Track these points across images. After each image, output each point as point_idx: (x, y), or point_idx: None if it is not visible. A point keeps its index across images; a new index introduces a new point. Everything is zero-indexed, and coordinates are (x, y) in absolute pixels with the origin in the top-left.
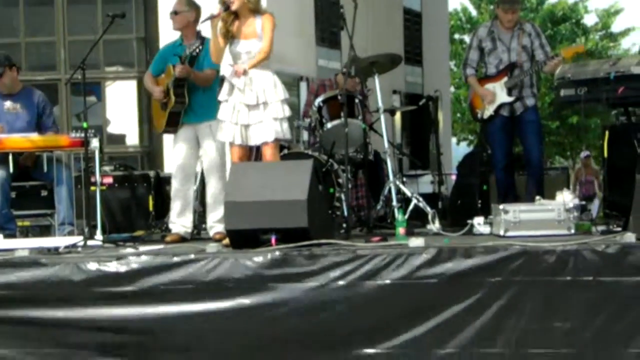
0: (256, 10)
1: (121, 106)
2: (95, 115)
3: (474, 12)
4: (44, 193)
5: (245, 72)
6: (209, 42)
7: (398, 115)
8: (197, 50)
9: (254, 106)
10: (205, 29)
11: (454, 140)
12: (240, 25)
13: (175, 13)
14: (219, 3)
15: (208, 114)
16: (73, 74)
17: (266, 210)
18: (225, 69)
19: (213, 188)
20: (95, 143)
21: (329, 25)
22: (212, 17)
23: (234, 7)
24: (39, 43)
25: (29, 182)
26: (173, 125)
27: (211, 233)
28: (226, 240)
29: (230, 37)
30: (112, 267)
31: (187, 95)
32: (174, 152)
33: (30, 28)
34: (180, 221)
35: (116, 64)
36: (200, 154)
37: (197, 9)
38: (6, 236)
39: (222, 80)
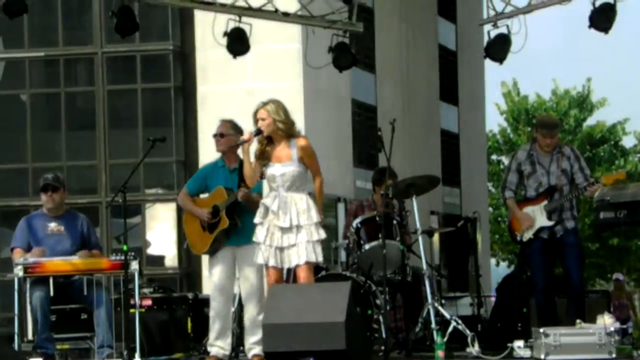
0: (290, 135)
1: (160, 228)
2: (134, 237)
3: (511, 134)
4: (84, 316)
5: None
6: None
7: (436, 237)
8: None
9: (288, 229)
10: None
11: (492, 261)
12: (274, 148)
13: (221, 135)
14: (253, 127)
15: (252, 236)
16: (114, 196)
17: (304, 333)
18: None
19: (251, 311)
20: (135, 265)
21: (366, 147)
22: (243, 142)
23: (265, 133)
24: (80, 167)
25: (69, 304)
26: (217, 247)
27: (249, 355)
28: None
29: (265, 159)
30: None
31: (238, 218)
32: (212, 273)
33: (72, 152)
34: (218, 343)
35: (156, 186)
36: (237, 276)
37: (241, 133)
38: (42, 355)
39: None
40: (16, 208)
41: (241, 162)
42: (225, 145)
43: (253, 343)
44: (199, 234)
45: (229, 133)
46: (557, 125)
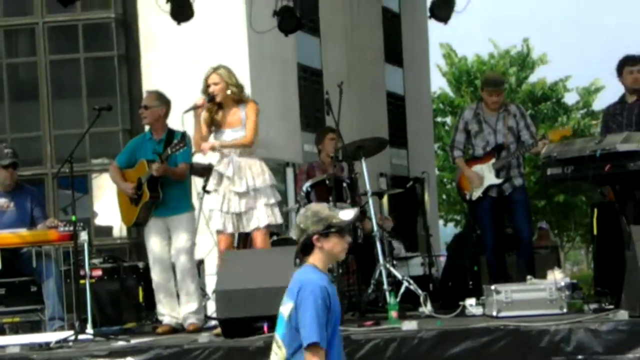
0: (240, 100)
1: (108, 198)
2: (82, 208)
3: (453, 96)
4: (33, 288)
5: (213, 149)
6: (187, 137)
7: (385, 198)
8: (179, 149)
9: (244, 193)
10: (187, 118)
11: (440, 222)
12: (224, 114)
13: (145, 107)
14: (201, 93)
15: (180, 207)
16: (60, 167)
17: (257, 298)
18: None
19: (185, 281)
20: (84, 236)
21: (313, 111)
22: (195, 108)
23: (218, 98)
24: (24, 138)
25: (18, 277)
26: (144, 219)
27: (185, 325)
28: (218, 330)
29: (215, 125)
30: None
31: (161, 190)
32: (148, 245)
33: (16, 123)
34: (168, 312)
35: (102, 156)
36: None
37: (167, 104)
38: None
39: (205, 170)
40: None
41: (168, 133)
42: (151, 118)
43: (189, 313)
44: (128, 206)
45: (153, 105)
46: (502, 82)
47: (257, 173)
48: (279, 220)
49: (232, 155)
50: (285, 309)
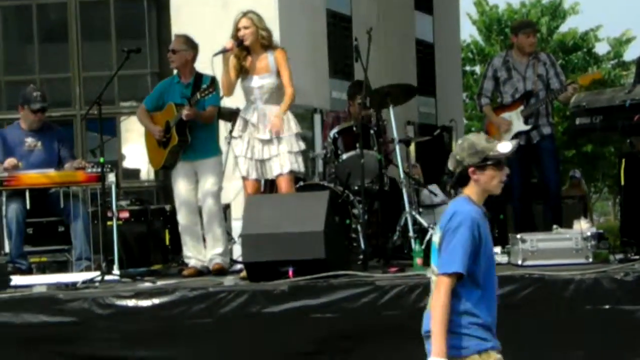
0: (269, 46)
1: (136, 141)
2: (110, 151)
3: (484, 44)
4: (61, 229)
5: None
6: (216, 82)
7: (413, 146)
8: (208, 94)
9: (268, 141)
10: (216, 62)
11: None
12: (253, 60)
13: (173, 52)
14: (231, 38)
15: (208, 151)
16: (89, 109)
17: (283, 243)
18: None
19: (212, 224)
20: (111, 178)
21: (342, 57)
22: (224, 51)
23: (247, 42)
24: (54, 79)
25: (46, 217)
26: (171, 162)
27: (210, 265)
28: (243, 273)
29: (243, 72)
30: (132, 302)
31: (189, 134)
32: (175, 188)
33: (45, 64)
34: (194, 255)
35: (131, 99)
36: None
37: (194, 48)
38: (17, 271)
39: (233, 114)
40: None
41: (196, 76)
42: (178, 62)
43: (214, 254)
44: (156, 149)
45: (181, 49)
46: (535, 24)
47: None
48: (302, 168)
49: (257, 102)
50: (437, 237)
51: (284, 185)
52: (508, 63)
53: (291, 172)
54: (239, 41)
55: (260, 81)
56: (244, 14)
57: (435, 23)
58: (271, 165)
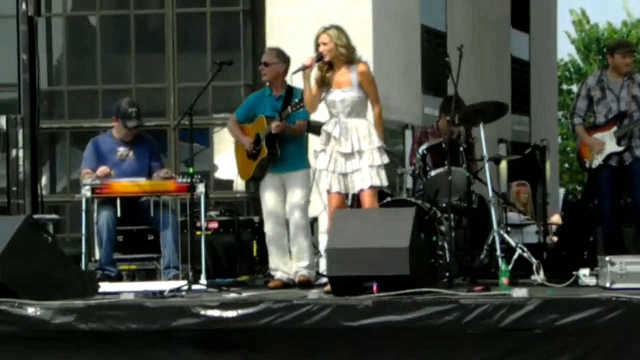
0: (350, 60)
1: (228, 152)
2: (202, 161)
3: (581, 63)
4: (150, 237)
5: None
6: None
7: (504, 165)
8: (299, 108)
9: (350, 154)
10: (297, 78)
11: (561, 190)
12: (334, 74)
13: (265, 64)
14: (314, 52)
15: (296, 164)
16: (180, 119)
17: (368, 258)
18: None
19: (298, 237)
20: (201, 188)
21: (435, 74)
22: (304, 68)
23: (326, 58)
24: (149, 89)
25: (136, 225)
26: (260, 174)
27: (296, 278)
28: (328, 287)
29: (325, 84)
30: (216, 312)
31: (279, 147)
32: (263, 200)
33: (141, 74)
34: (280, 267)
35: (224, 110)
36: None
37: (286, 61)
38: (105, 278)
39: (317, 128)
40: (86, 130)
41: (287, 90)
42: (270, 75)
43: (300, 267)
44: (245, 161)
45: (273, 62)
46: (632, 44)
47: (363, 135)
48: (384, 182)
49: (340, 115)
50: None
51: (366, 200)
52: (602, 82)
53: (372, 187)
54: (318, 57)
55: (343, 94)
56: (325, 30)
57: (531, 41)
58: (353, 180)
